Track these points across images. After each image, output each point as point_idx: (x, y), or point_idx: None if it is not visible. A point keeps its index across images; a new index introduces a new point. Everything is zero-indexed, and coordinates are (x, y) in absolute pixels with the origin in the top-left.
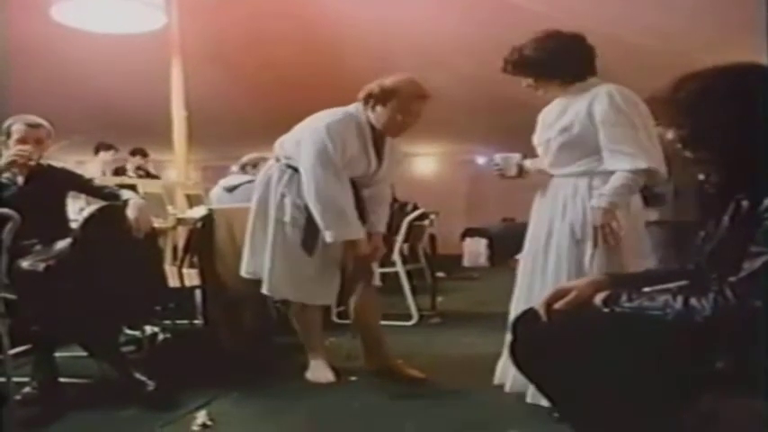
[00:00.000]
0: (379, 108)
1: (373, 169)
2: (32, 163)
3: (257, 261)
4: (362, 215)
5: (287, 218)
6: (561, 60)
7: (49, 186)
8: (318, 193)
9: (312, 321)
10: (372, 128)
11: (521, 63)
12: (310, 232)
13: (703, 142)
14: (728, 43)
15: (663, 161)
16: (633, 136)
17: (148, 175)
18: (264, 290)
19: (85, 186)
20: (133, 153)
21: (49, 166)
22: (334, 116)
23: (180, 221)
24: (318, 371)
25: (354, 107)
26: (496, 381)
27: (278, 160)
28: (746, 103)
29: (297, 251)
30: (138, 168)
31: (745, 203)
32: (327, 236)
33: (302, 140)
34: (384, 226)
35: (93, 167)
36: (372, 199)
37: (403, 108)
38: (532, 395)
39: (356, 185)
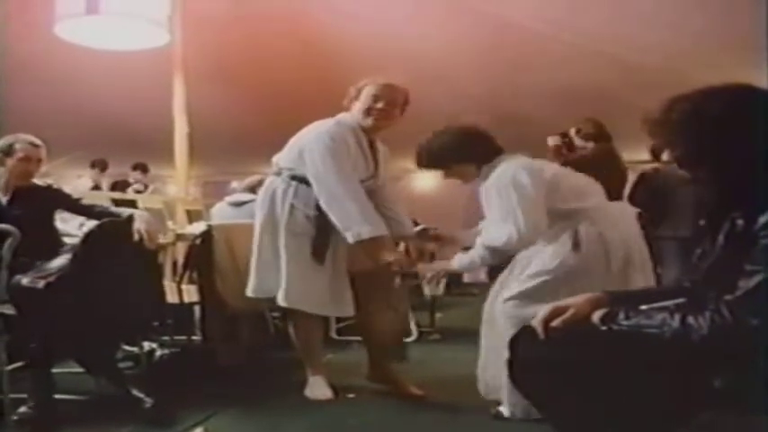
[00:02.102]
0: (357, 104)
1: (371, 171)
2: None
3: (264, 280)
4: None
5: (298, 229)
6: (464, 150)
7: (34, 206)
8: (333, 196)
9: (313, 337)
10: (363, 131)
11: (430, 157)
12: (320, 242)
13: (697, 161)
14: (730, 62)
15: (514, 234)
16: (497, 213)
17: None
18: (281, 301)
19: (74, 205)
20: (134, 168)
21: (35, 186)
22: (329, 123)
23: (179, 237)
24: (317, 388)
25: (341, 116)
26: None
27: (278, 174)
28: (737, 123)
29: (309, 262)
30: (139, 183)
31: (740, 222)
32: (349, 236)
33: (305, 149)
34: (411, 228)
35: (84, 182)
36: (386, 202)
37: (374, 96)
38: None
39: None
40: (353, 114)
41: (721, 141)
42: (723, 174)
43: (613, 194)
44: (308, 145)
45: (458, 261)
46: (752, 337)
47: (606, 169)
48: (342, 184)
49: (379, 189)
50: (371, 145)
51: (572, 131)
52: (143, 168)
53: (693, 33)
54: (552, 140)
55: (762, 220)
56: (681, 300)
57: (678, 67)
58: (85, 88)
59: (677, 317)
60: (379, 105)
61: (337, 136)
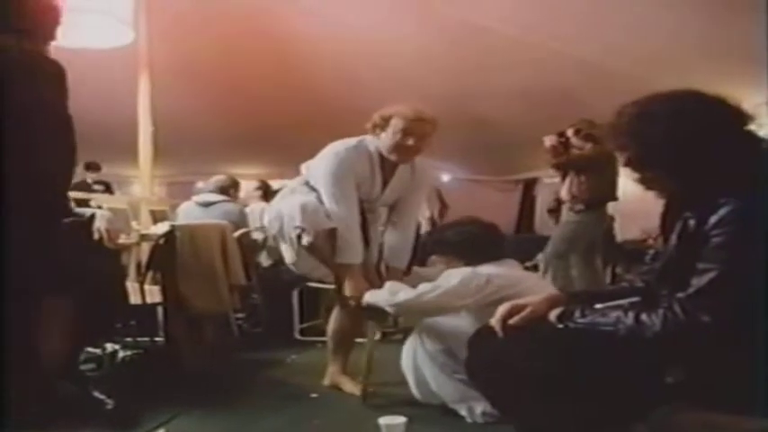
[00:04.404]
0: (382, 135)
1: (376, 194)
2: None
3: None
4: (368, 242)
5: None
6: (473, 244)
7: None
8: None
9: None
10: (381, 155)
11: (442, 243)
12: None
13: (645, 163)
14: (702, 69)
15: None
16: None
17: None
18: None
19: None
20: (87, 167)
21: None
22: (347, 144)
23: (144, 237)
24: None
25: (365, 139)
26: None
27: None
28: (683, 126)
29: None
30: (97, 183)
31: (692, 222)
32: None
33: (318, 167)
34: (404, 261)
35: None
36: (394, 229)
37: (402, 131)
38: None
39: (363, 210)
40: (378, 142)
41: (667, 144)
42: (671, 175)
43: (605, 198)
44: (320, 164)
45: None
46: (703, 333)
47: (603, 171)
48: (337, 206)
49: (400, 213)
50: (387, 167)
51: (569, 131)
52: (95, 167)
53: (664, 39)
54: (549, 140)
55: (712, 219)
56: (636, 298)
57: (646, 73)
58: None
59: (631, 314)
60: (410, 143)
61: (345, 158)
